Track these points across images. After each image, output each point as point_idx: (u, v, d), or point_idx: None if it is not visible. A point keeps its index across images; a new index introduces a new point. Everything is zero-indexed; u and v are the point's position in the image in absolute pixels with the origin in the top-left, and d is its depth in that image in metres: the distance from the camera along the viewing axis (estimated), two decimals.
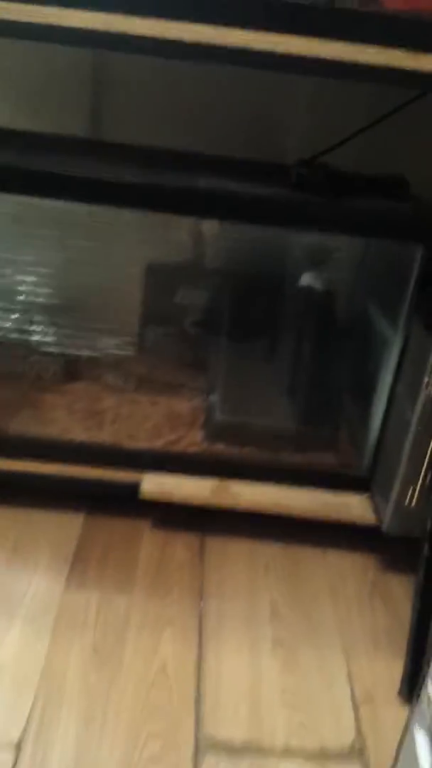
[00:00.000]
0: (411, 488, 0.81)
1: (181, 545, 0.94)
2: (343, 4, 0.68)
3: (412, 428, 0.78)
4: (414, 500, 0.81)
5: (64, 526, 0.93)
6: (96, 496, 0.96)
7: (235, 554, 0.93)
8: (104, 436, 0.97)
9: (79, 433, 0.97)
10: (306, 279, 1.05)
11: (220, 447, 0.94)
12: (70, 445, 0.95)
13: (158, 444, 0.95)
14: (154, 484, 0.90)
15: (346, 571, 0.93)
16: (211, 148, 1.00)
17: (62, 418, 1.00)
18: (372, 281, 1.02)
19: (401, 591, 0.91)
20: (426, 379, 0.76)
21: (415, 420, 0.78)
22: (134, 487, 0.91)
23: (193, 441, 0.95)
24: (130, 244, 1.10)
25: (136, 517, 0.96)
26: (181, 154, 0.98)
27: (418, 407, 0.77)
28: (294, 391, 0.96)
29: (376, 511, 0.89)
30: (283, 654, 0.79)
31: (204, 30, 0.67)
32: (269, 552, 0.94)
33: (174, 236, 1.14)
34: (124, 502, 0.95)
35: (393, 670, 0.78)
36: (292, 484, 0.91)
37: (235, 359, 1.03)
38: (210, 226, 1.13)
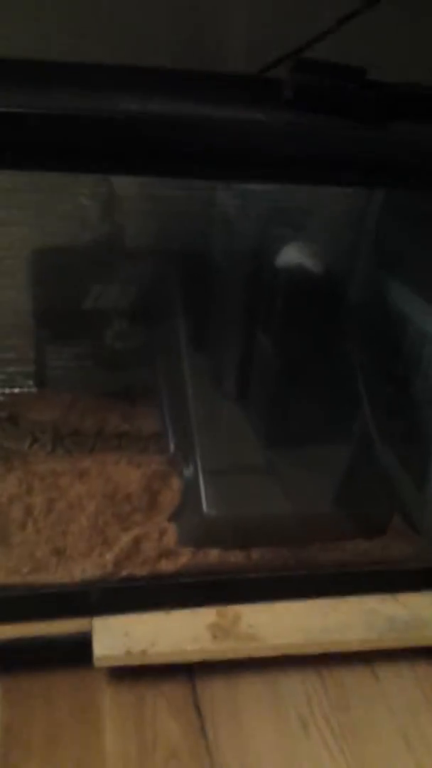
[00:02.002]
0: None
1: (163, 709, 0.59)
2: None
3: None
4: None
5: None
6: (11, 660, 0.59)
7: (250, 708, 0.60)
8: (7, 558, 0.58)
9: None
10: (289, 254, 0.68)
11: (211, 555, 0.58)
12: None
13: (107, 558, 0.58)
14: (113, 640, 0.54)
15: (413, 700, 0.62)
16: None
17: None
18: (394, 248, 0.67)
19: None
20: None
21: None
22: (76, 643, 0.55)
23: (165, 545, 0.59)
24: None
25: (81, 664, 0.60)
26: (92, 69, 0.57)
27: None
28: (306, 444, 0.61)
29: None
30: None
31: None
32: (299, 691, 0.62)
33: (67, 200, 0.74)
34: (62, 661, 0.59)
35: None
36: (334, 595, 0.58)
37: (201, 390, 0.66)
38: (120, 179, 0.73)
